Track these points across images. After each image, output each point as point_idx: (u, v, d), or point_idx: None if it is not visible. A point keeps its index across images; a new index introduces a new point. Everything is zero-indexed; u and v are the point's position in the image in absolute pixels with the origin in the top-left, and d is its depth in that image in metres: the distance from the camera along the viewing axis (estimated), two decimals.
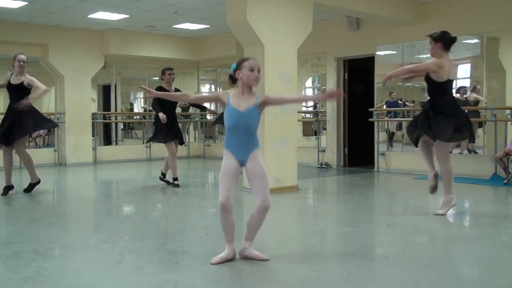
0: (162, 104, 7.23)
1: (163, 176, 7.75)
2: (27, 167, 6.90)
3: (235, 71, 3.73)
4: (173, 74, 7.55)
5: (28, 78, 6.64)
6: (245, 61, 3.72)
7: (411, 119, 9.57)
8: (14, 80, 6.66)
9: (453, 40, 5.17)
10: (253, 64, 3.67)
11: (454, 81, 5.28)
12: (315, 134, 11.09)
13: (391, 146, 10.12)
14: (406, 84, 9.97)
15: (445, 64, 5.07)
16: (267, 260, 3.68)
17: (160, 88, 7.30)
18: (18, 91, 6.64)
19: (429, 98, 5.28)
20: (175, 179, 7.56)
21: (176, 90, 7.55)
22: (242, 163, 3.66)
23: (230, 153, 3.66)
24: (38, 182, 6.97)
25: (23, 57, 6.70)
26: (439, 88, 5.16)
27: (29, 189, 6.90)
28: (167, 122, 7.29)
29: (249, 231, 3.75)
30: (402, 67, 5.56)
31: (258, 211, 3.64)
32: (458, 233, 4.82)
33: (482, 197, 6.82)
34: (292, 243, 4.45)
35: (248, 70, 3.67)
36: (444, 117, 5.10)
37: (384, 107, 10.14)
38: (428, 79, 5.18)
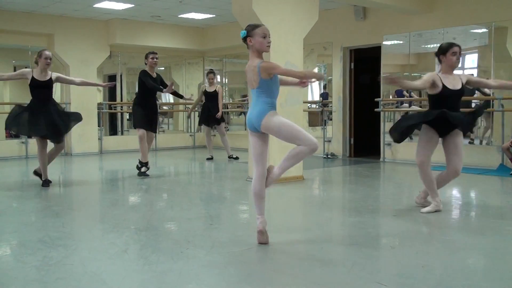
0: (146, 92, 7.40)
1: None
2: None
3: (245, 38, 3.76)
4: (156, 58, 7.49)
5: (55, 74, 6.62)
6: (256, 27, 3.77)
7: (417, 108, 9.58)
8: (40, 77, 6.46)
9: (436, 52, 4.95)
10: (265, 30, 3.76)
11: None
12: (321, 124, 11.05)
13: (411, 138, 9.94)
14: (412, 74, 9.91)
15: (435, 79, 4.79)
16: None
17: (143, 72, 7.37)
18: (47, 88, 6.51)
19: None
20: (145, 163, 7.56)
21: (158, 76, 7.59)
22: None
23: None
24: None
25: (49, 54, 6.55)
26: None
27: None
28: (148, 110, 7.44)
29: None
30: (410, 83, 5.13)
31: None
32: (465, 224, 4.79)
33: (488, 187, 6.78)
34: (297, 233, 4.44)
35: (261, 37, 3.74)
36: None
37: (390, 96, 10.09)
38: None
